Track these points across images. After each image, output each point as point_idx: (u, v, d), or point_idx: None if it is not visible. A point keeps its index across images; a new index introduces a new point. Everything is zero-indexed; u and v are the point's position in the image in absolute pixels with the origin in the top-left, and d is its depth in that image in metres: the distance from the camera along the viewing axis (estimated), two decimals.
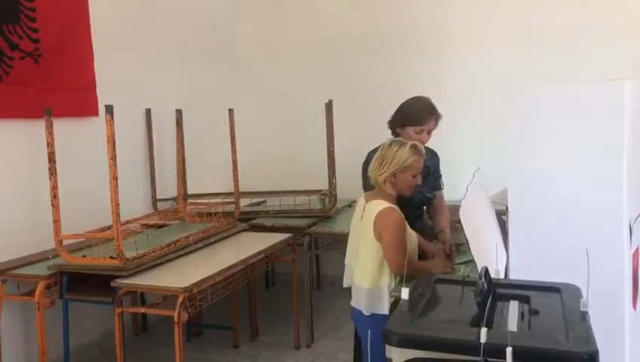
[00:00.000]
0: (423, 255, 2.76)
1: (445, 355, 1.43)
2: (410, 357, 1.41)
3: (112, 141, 2.84)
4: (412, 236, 2.60)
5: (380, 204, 2.52)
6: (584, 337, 1.41)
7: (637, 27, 4.31)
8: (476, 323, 1.59)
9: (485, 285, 1.61)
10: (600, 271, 1.85)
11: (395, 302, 2.53)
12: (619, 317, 2.38)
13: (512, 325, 1.56)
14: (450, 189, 3.15)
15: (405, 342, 1.43)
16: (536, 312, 1.60)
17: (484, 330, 1.37)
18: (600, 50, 4.33)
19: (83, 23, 3.72)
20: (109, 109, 2.82)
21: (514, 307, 1.68)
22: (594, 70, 4.25)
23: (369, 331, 2.49)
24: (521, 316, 1.61)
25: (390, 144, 2.57)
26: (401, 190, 2.58)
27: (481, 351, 1.35)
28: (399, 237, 2.46)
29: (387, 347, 1.50)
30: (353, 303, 2.60)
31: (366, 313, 2.50)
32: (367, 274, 2.51)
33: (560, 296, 1.71)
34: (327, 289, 4.93)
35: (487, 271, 1.70)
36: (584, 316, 1.55)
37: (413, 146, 2.55)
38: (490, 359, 1.35)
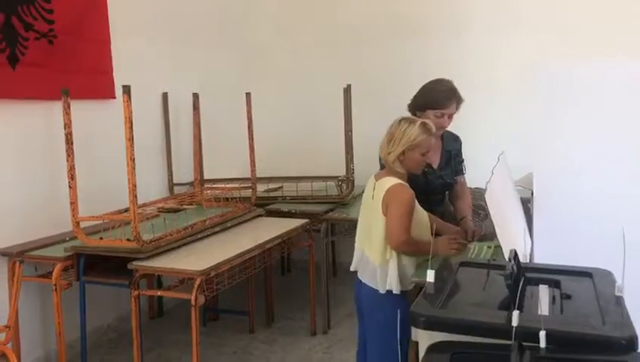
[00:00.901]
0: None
1: (474, 339, 1.37)
2: (437, 340, 1.36)
3: (129, 122, 2.80)
4: (421, 215, 2.54)
5: (390, 181, 2.48)
6: (622, 322, 1.35)
7: None
8: (504, 307, 1.54)
9: (515, 268, 1.56)
10: (630, 256, 1.79)
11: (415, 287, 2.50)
12: None
13: (544, 309, 1.50)
14: (470, 174, 3.08)
15: (432, 325, 1.39)
16: (569, 296, 1.54)
17: (516, 313, 1.32)
18: (618, 32, 4.23)
19: (100, 5, 3.68)
20: (127, 90, 2.79)
21: (544, 291, 1.62)
22: (614, 52, 4.15)
23: (380, 309, 2.48)
24: (552, 300, 1.56)
25: (399, 122, 2.53)
26: (410, 168, 2.54)
27: (513, 334, 1.29)
28: (404, 213, 2.41)
29: (413, 330, 1.44)
30: (366, 280, 2.55)
31: (382, 291, 2.46)
32: (381, 251, 2.47)
33: (592, 281, 1.65)
34: (343, 276, 4.87)
35: (516, 254, 1.65)
36: (619, 300, 1.49)
37: (423, 124, 2.50)
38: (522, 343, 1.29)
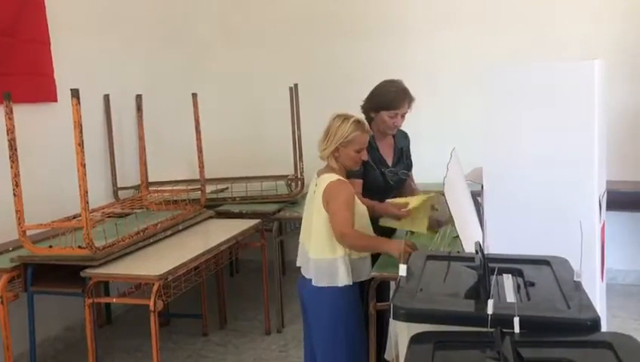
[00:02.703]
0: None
1: (449, 327, 1.44)
2: (418, 331, 1.42)
3: (78, 126, 2.73)
4: (361, 209, 2.60)
5: (330, 177, 2.54)
6: (585, 305, 1.46)
7: (589, 10, 4.48)
8: (473, 296, 1.62)
9: (482, 259, 1.64)
10: (572, 245, 1.91)
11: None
12: (590, 289, 2.45)
13: (510, 297, 1.60)
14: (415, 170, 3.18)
15: (413, 317, 1.45)
16: (532, 284, 1.65)
17: (490, 301, 1.39)
18: (556, 32, 4.49)
19: (37, 5, 3.55)
20: (75, 93, 2.72)
21: (508, 280, 1.72)
22: (550, 52, 4.40)
23: (325, 304, 2.53)
24: (517, 288, 1.65)
25: (334, 118, 2.58)
26: (346, 165, 2.59)
27: (489, 321, 1.37)
28: (345, 207, 2.47)
29: (393, 322, 1.50)
30: (308, 275, 2.59)
31: (321, 284, 2.51)
32: (320, 246, 2.52)
33: (551, 268, 1.76)
34: (293, 275, 4.85)
35: (480, 245, 1.74)
36: (578, 286, 1.60)
37: (356, 121, 2.56)
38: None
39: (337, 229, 2.44)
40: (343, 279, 2.49)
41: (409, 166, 3.09)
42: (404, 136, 3.09)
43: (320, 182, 2.57)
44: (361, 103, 2.99)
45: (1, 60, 3.33)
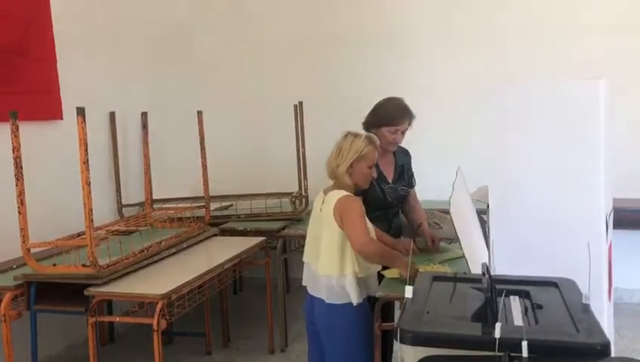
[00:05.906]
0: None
1: (459, 352, 1.42)
2: (424, 355, 1.40)
3: (84, 144, 2.74)
4: (370, 226, 2.60)
5: (339, 193, 2.55)
6: (594, 329, 1.44)
7: (590, 28, 4.49)
8: (480, 319, 1.61)
9: (489, 281, 1.63)
10: (579, 265, 1.89)
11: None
12: (598, 309, 2.43)
13: (518, 320, 1.58)
14: (418, 188, 3.18)
15: (420, 341, 1.43)
16: (540, 306, 1.63)
17: (498, 325, 1.38)
18: (557, 49, 4.50)
19: (45, 24, 3.58)
20: (81, 111, 2.73)
21: (515, 302, 1.70)
22: (551, 69, 4.41)
23: (338, 322, 2.51)
24: (525, 310, 1.63)
25: (346, 135, 2.62)
26: (358, 181, 2.62)
27: (497, 345, 1.35)
28: (359, 218, 2.49)
29: (398, 345, 1.48)
30: (318, 294, 2.57)
31: (334, 301, 2.50)
32: (330, 263, 2.51)
33: (559, 290, 1.74)
34: (297, 293, 4.88)
35: (487, 267, 1.72)
36: (587, 308, 1.58)
37: (368, 137, 2.61)
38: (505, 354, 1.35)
39: (357, 240, 2.44)
40: (354, 297, 2.48)
41: (410, 183, 3.10)
42: (405, 154, 3.12)
43: (328, 199, 2.57)
44: (363, 120, 3.01)
45: (8, 78, 3.35)
